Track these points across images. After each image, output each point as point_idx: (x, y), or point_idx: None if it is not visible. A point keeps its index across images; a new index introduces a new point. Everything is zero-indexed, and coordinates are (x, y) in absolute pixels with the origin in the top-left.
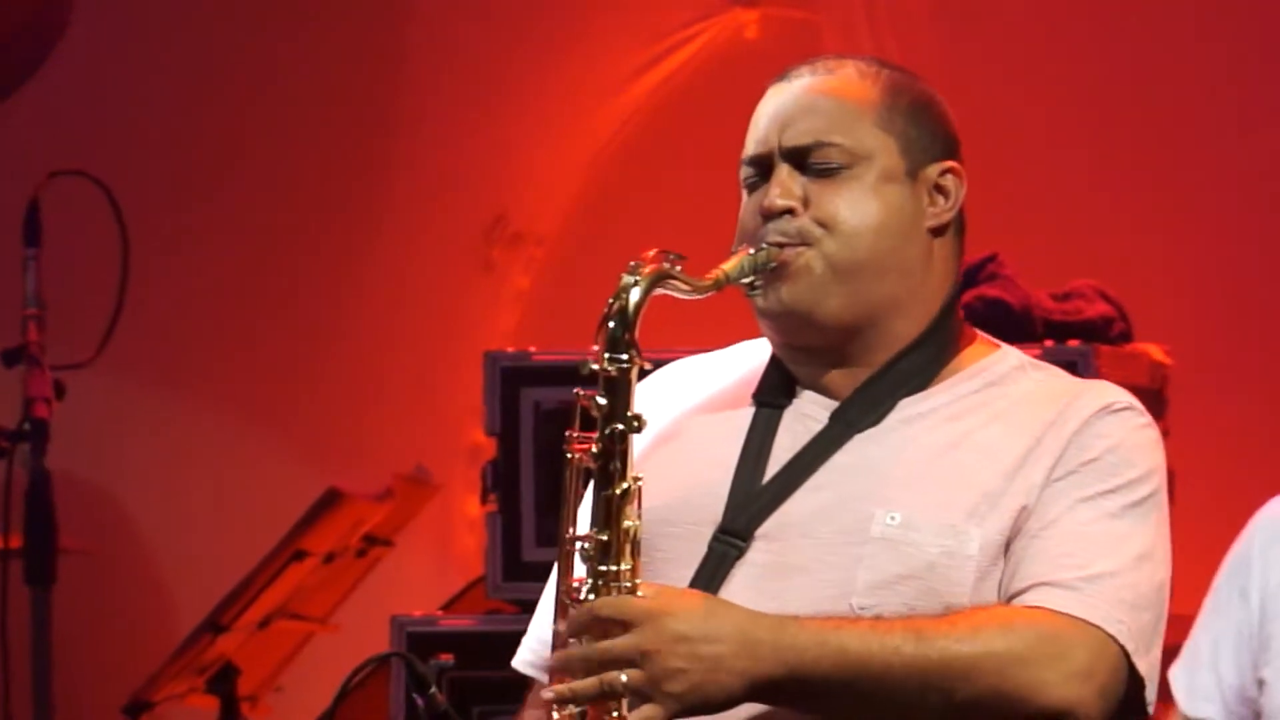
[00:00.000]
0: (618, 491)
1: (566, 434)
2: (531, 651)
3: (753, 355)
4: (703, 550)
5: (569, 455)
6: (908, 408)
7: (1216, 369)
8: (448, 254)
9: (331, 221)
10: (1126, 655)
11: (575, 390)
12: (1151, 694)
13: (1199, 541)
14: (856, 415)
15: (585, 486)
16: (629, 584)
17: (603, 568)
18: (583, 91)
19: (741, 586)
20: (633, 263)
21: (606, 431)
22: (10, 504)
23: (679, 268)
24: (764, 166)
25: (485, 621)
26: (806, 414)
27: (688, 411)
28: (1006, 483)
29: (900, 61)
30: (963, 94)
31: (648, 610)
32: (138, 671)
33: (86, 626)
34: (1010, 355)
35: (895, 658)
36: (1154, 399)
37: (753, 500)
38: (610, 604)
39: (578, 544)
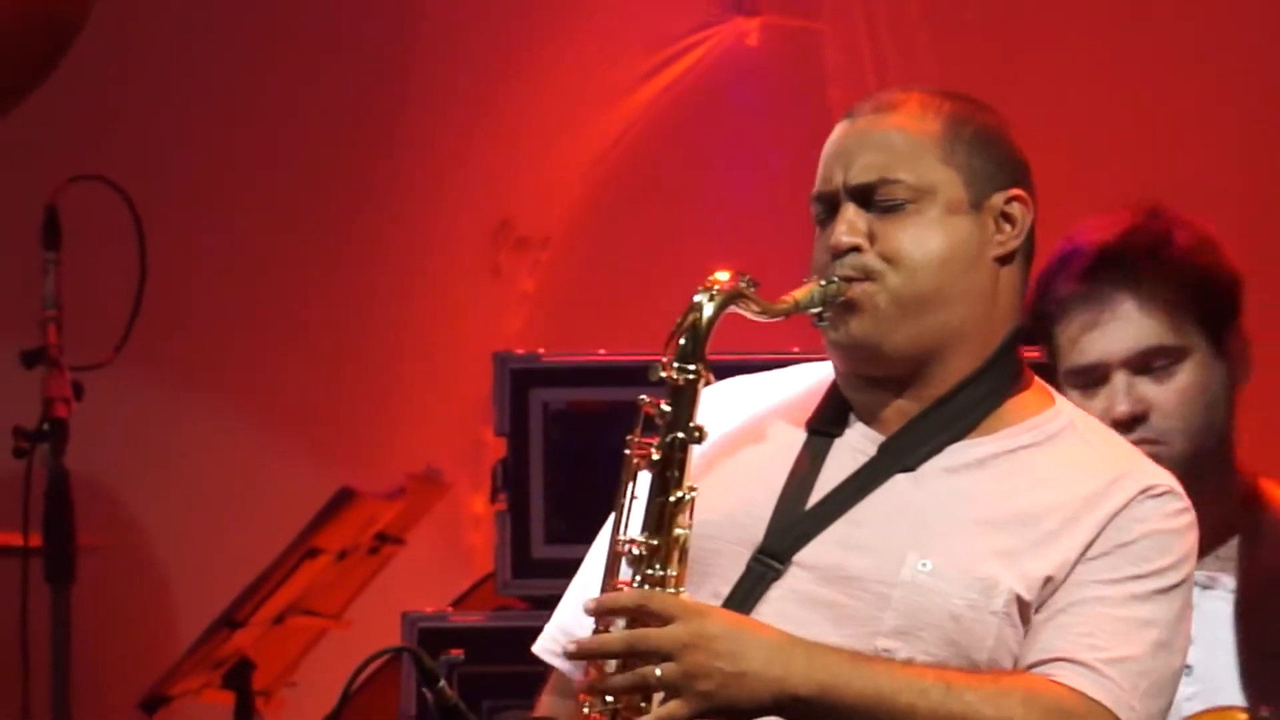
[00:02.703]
0: (673, 499)
1: (628, 438)
2: (553, 640)
3: (812, 377)
4: (741, 568)
5: (629, 458)
6: (955, 454)
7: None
8: (456, 258)
9: (343, 226)
10: None
11: (640, 396)
12: None
13: None
14: (903, 452)
15: (637, 490)
16: (674, 590)
17: (650, 571)
18: (586, 99)
19: (773, 608)
20: (709, 279)
21: (668, 439)
22: (30, 502)
23: (752, 290)
24: (831, 204)
25: (494, 617)
26: (856, 447)
27: (743, 429)
28: (1038, 550)
29: (897, 69)
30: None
31: (694, 608)
32: (154, 666)
33: (104, 623)
34: (1063, 412)
35: (922, 700)
36: None
37: (794, 526)
38: (658, 597)
39: (628, 546)
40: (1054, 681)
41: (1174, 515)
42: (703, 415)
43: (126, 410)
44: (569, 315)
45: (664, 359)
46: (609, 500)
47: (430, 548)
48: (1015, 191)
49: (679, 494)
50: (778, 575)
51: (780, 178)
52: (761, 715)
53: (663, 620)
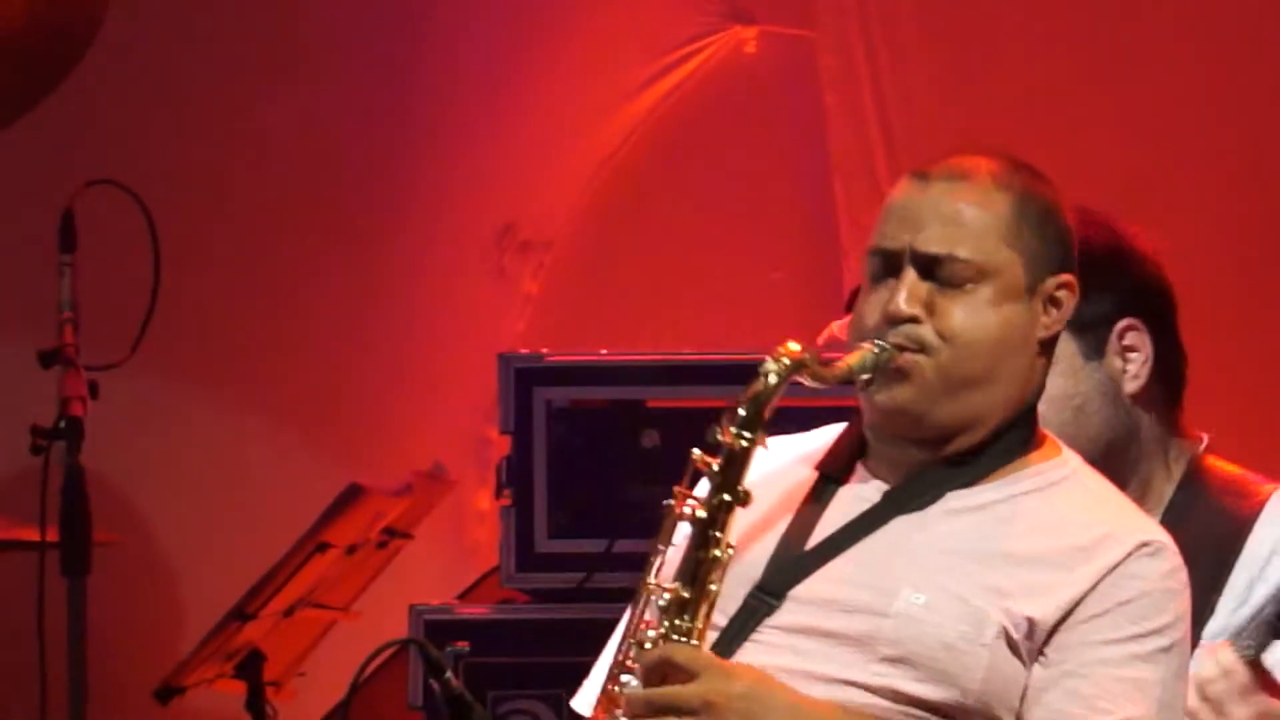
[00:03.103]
0: (711, 556)
1: (675, 489)
2: (589, 696)
3: (832, 434)
4: (739, 603)
5: (673, 507)
6: (955, 499)
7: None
8: (461, 260)
9: (352, 229)
10: None
11: (694, 449)
12: None
13: None
14: (905, 499)
15: (673, 538)
16: (696, 642)
17: (678, 621)
18: (589, 105)
19: (766, 641)
20: (778, 349)
21: (715, 500)
22: (47, 498)
23: (812, 358)
24: (891, 262)
25: (499, 610)
26: (862, 494)
27: (766, 479)
28: (1028, 592)
29: (893, 78)
30: (955, 112)
31: (718, 666)
32: (168, 657)
33: (119, 615)
34: (1069, 463)
35: None
36: None
37: (792, 564)
38: (682, 651)
39: (661, 591)
40: None
41: (1170, 574)
42: None
43: (141, 409)
44: (571, 316)
45: (724, 421)
46: (610, 496)
47: (437, 542)
48: (1066, 278)
49: (717, 553)
50: (771, 610)
51: (777, 182)
52: None
53: (688, 675)
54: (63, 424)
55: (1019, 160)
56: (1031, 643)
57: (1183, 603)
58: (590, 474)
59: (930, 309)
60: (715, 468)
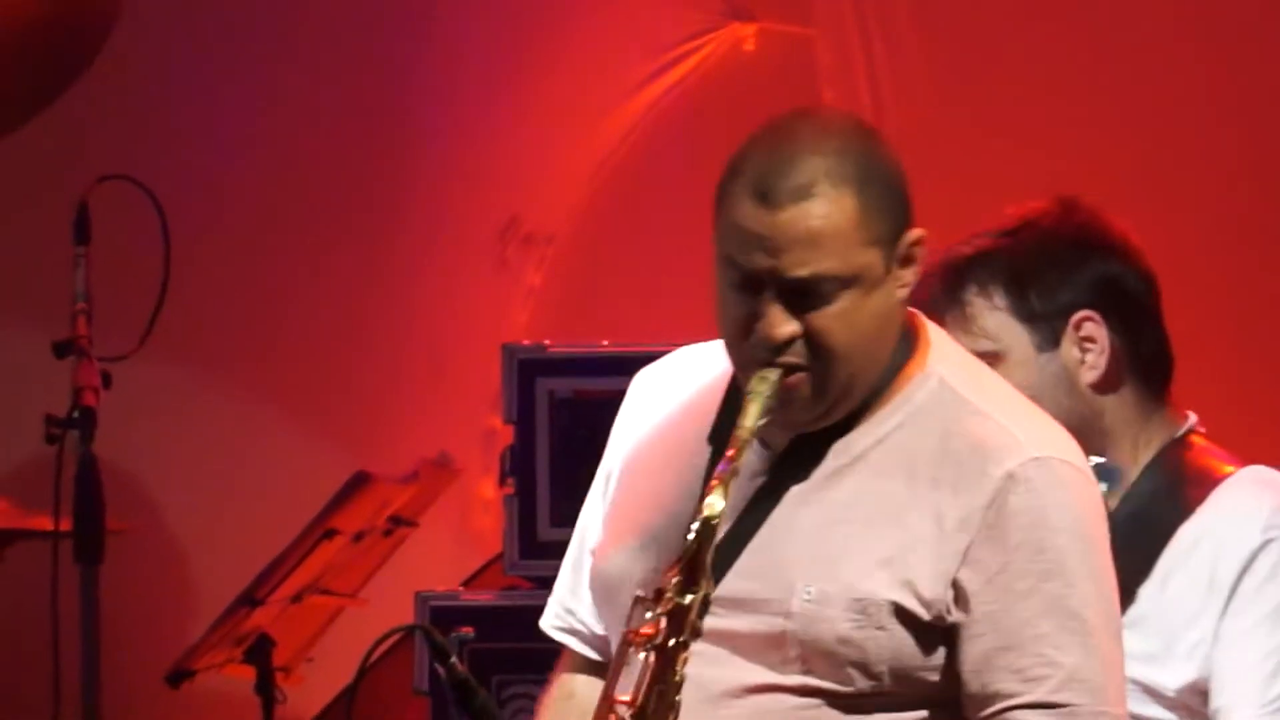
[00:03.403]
0: (670, 685)
1: (627, 628)
2: (556, 616)
3: (714, 370)
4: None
5: (624, 645)
6: (838, 454)
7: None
8: (465, 253)
9: (357, 223)
10: None
11: (638, 595)
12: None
13: None
14: (792, 466)
15: (629, 659)
16: None
17: None
18: (591, 101)
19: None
20: (715, 489)
21: (668, 644)
22: (60, 487)
23: (728, 476)
24: (752, 279)
25: (503, 596)
26: (752, 466)
27: (653, 444)
28: (922, 549)
29: (890, 74)
30: (950, 108)
31: None
32: (179, 643)
33: (131, 601)
34: (931, 374)
35: None
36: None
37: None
38: None
39: (624, 708)
40: None
41: (1051, 489)
42: (634, 399)
43: (153, 399)
44: (573, 308)
45: (667, 575)
46: None
47: (442, 530)
48: (915, 235)
49: (676, 680)
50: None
51: None
52: None
53: None
54: (76, 413)
55: (843, 126)
56: (937, 599)
57: (1076, 510)
58: (592, 463)
59: (802, 324)
60: (661, 616)
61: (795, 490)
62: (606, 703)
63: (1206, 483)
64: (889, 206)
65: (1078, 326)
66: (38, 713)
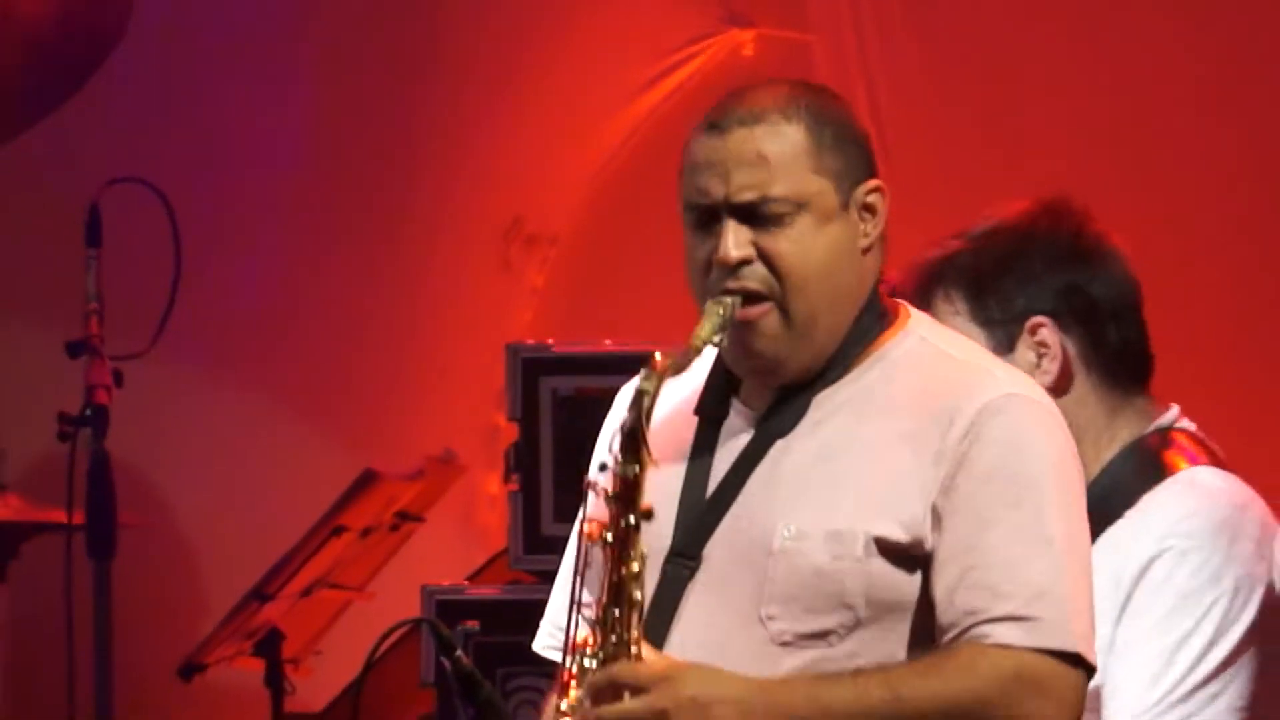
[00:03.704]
0: (628, 573)
1: (579, 519)
2: (549, 635)
3: (705, 366)
4: (658, 574)
5: (582, 533)
6: (820, 404)
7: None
8: (470, 254)
9: (364, 226)
10: (1081, 657)
11: (588, 480)
12: (1093, 654)
13: None
14: (776, 423)
15: (589, 558)
16: (635, 650)
17: (613, 637)
18: (593, 104)
19: (690, 603)
20: (644, 370)
21: (621, 524)
22: (74, 483)
23: (674, 361)
24: (709, 215)
25: (508, 591)
26: (738, 428)
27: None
28: (901, 482)
29: (884, 77)
30: (946, 110)
31: (662, 674)
32: (190, 636)
33: (143, 595)
34: (912, 332)
35: (875, 716)
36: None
37: (697, 521)
38: (628, 670)
39: (587, 609)
40: (988, 646)
41: (1022, 424)
42: (609, 423)
43: (163, 397)
44: (576, 308)
45: (611, 456)
46: None
47: (448, 525)
48: (873, 184)
49: (634, 566)
50: (693, 572)
51: None
52: None
53: (635, 690)
54: (89, 411)
55: (802, 84)
56: (917, 525)
57: (1045, 446)
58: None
59: (758, 249)
60: (613, 494)
61: (779, 443)
62: (574, 606)
63: (1153, 480)
64: (842, 149)
65: (1033, 332)
66: (52, 704)
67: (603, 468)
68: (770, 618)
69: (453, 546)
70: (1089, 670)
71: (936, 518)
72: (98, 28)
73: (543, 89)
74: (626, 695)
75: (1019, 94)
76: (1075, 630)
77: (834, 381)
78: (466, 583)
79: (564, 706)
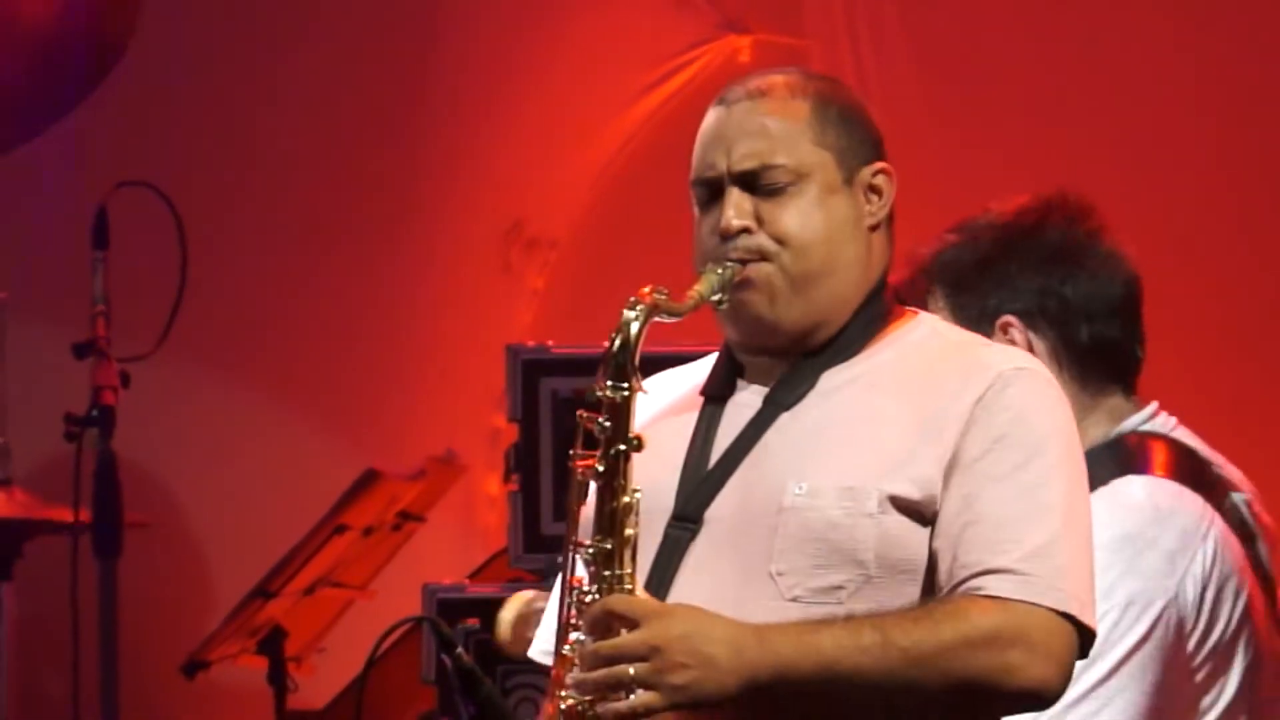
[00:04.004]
0: (621, 504)
1: (571, 452)
2: (545, 641)
3: (708, 363)
4: (659, 539)
5: (574, 470)
6: (829, 379)
7: (1191, 343)
8: (471, 257)
9: (368, 229)
10: (1074, 619)
11: (579, 412)
12: (1093, 621)
13: None
14: (783, 395)
15: (585, 499)
16: (629, 586)
17: (606, 572)
18: (592, 110)
19: (693, 568)
20: (631, 299)
21: (611, 452)
22: (80, 483)
23: (665, 296)
24: (714, 188)
25: (508, 589)
26: (745, 403)
27: (653, 419)
28: (912, 446)
29: (879, 82)
30: (939, 115)
31: (656, 610)
32: (194, 634)
33: (148, 594)
34: (923, 322)
35: (865, 656)
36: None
37: (699, 487)
38: (621, 601)
39: (583, 550)
40: (980, 597)
41: (1035, 393)
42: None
43: (169, 398)
44: (575, 310)
45: (599, 380)
46: None
47: (449, 525)
48: (880, 165)
49: (626, 499)
50: (693, 535)
51: None
52: (728, 703)
53: (630, 624)
54: (95, 412)
55: (812, 72)
56: (929, 483)
57: (1055, 417)
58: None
59: (759, 220)
60: (602, 422)
61: (786, 414)
62: (571, 544)
63: (1097, 484)
64: (847, 127)
65: (1003, 330)
66: (58, 700)
67: (591, 399)
68: (780, 574)
69: (453, 546)
70: (1086, 634)
71: (946, 478)
72: (104, 35)
73: (542, 94)
74: (622, 631)
75: (1011, 99)
76: (1068, 590)
77: (844, 360)
78: (467, 581)
79: (568, 680)
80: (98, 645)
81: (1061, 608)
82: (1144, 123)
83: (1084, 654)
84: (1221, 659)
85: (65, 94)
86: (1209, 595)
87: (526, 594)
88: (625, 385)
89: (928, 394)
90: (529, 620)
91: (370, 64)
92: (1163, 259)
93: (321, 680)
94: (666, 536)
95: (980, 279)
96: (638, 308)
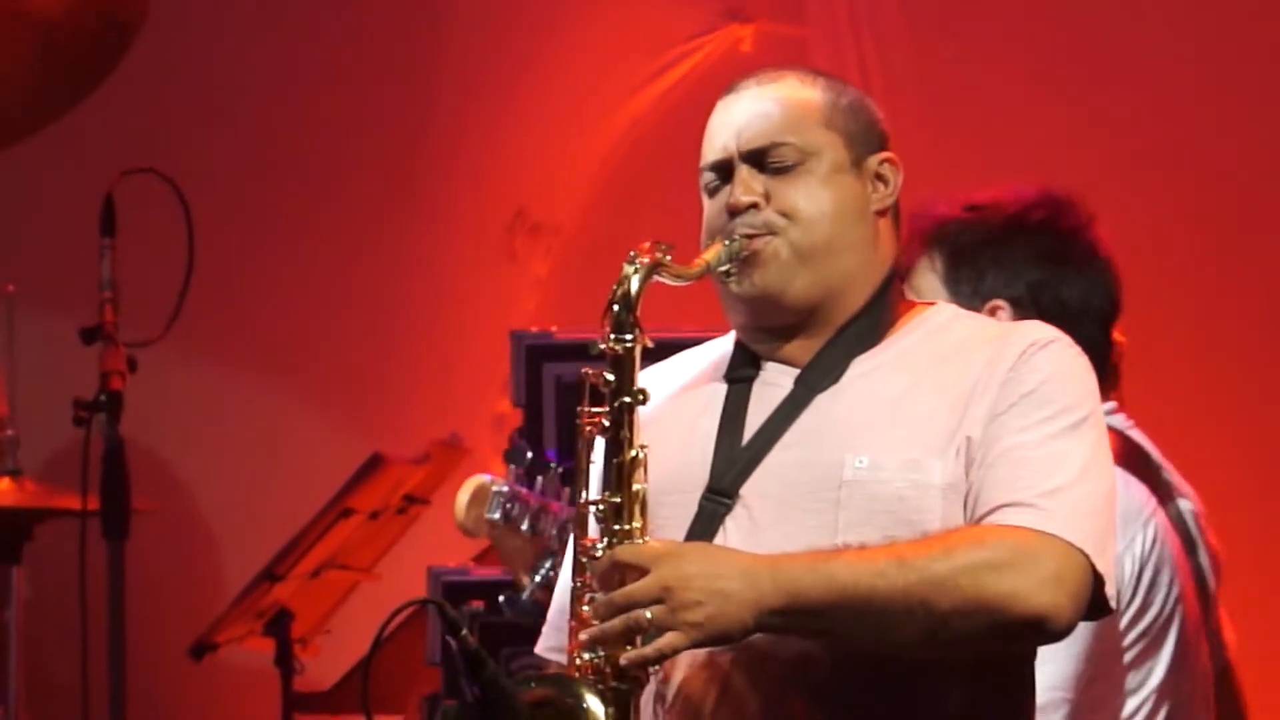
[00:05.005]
0: (628, 458)
1: (578, 409)
2: (551, 639)
3: (717, 348)
4: (694, 512)
5: (581, 428)
6: (861, 364)
7: (1161, 345)
8: (475, 244)
9: (373, 216)
10: (1088, 558)
11: (584, 370)
12: (1111, 590)
13: None
14: (817, 378)
15: (595, 456)
16: (640, 539)
17: (616, 526)
18: (596, 98)
19: (734, 538)
20: (632, 253)
21: (615, 405)
22: (88, 468)
23: (669, 258)
24: (724, 171)
25: (511, 573)
26: (772, 382)
27: (670, 398)
28: (955, 418)
29: (878, 72)
30: (940, 103)
31: (664, 552)
32: (201, 617)
33: (156, 578)
34: (945, 309)
35: (880, 580)
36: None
37: (734, 462)
38: (629, 550)
39: (592, 506)
40: (999, 525)
41: (1066, 360)
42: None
43: (176, 383)
44: (579, 297)
45: (602, 332)
46: None
47: (453, 508)
48: (887, 155)
49: (633, 453)
50: (729, 509)
51: None
52: (746, 636)
53: (640, 571)
54: (103, 397)
55: (823, 70)
56: (975, 447)
57: (1085, 384)
58: None
59: (768, 196)
60: (607, 376)
61: (822, 396)
62: (583, 504)
63: None
64: (855, 116)
65: (991, 312)
66: (66, 683)
67: (596, 350)
68: (847, 545)
69: (458, 529)
70: (1099, 585)
71: (980, 440)
72: (114, 24)
73: (545, 83)
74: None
75: (1012, 89)
76: (1084, 529)
77: (871, 346)
78: (472, 564)
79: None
80: (106, 628)
81: (1075, 542)
82: (1145, 109)
83: (1096, 614)
84: (1152, 644)
85: (74, 84)
86: (1145, 576)
87: (482, 477)
88: (628, 337)
89: (962, 369)
90: (483, 499)
91: (376, 51)
92: (1160, 247)
93: (327, 662)
94: (701, 509)
95: (981, 257)
96: (638, 262)
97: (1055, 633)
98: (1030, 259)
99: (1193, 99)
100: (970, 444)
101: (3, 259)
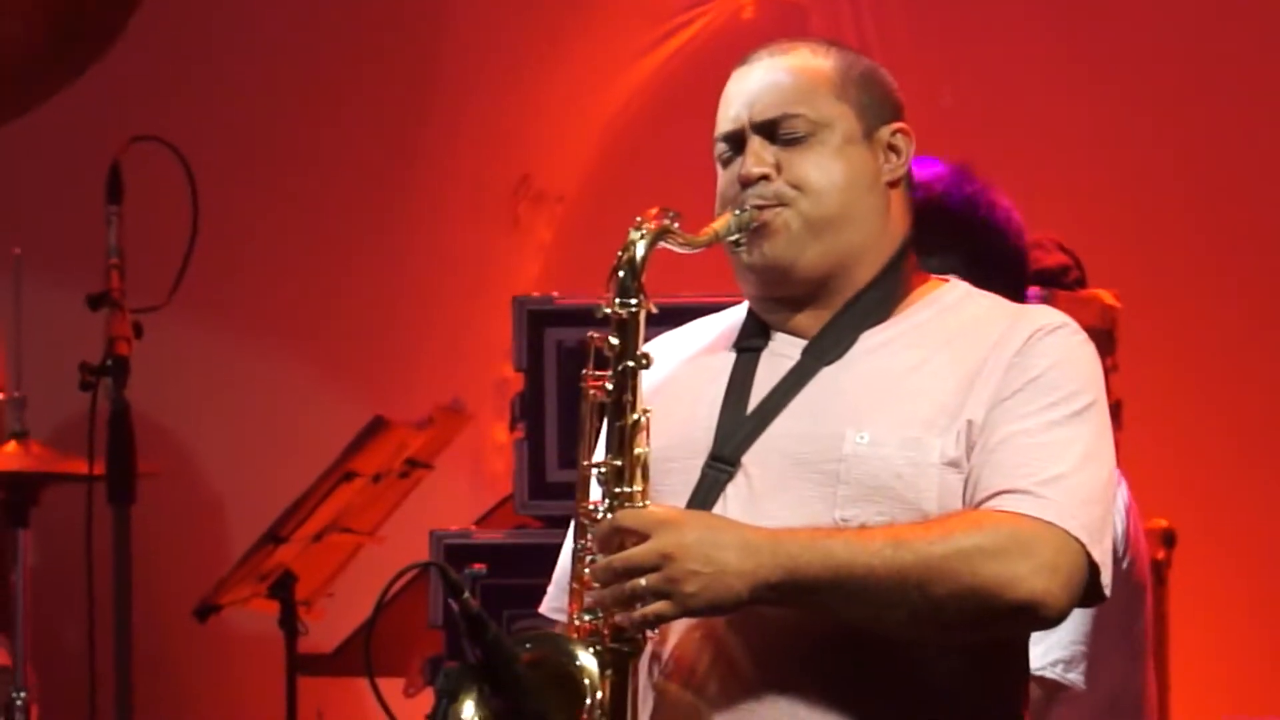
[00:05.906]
0: (629, 422)
1: (582, 373)
2: (554, 598)
3: (730, 316)
4: (696, 477)
5: (585, 391)
6: (869, 338)
7: (1160, 310)
8: (480, 210)
9: (377, 182)
10: (1084, 547)
11: (589, 334)
12: (1106, 578)
13: (1143, 466)
14: (824, 349)
15: (599, 420)
16: (641, 504)
17: (617, 489)
18: (600, 65)
19: (734, 505)
20: (638, 218)
21: (619, 369)
22: (95, 432)
23: (677, 224)
24: (737, 141)
25: (514, 535)
26: (780, 353)
27: (681, 364)
28: (959, 399)
29: (876, 40)
30: (934, 71)
31: (664, 519)
32: (206, 579)
33: (161, 541)
34: (958, 286)
35: (876, 560)
36: (1105, 338)
37: (738, 430)
38: (630, 515)
39: (594, 470)
40: (997, 511)
41: (1073, 347)
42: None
43: (181, 348)
44: (581, 262)
45: (606, 297)
46: None
47: (456, 472)
48: (899, 125)
49: (635, 417)
50: (730, 476)
51: None
52: (739, 608)
53: (640, 536)
54: (109, 362)
55: (837, 41)
56: (976, 430)
57: (1091, 370)
58: None
59: (779, 167)
60: (611, 340)
61: (829, 368)
62: (586, 467)
63: None
64: (867, 87)
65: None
66: (74, 645)
67: (601, 314)
68: (845, 520)
69: (461, 492)
70: (1094, 573)
71: (982, 424)
72: None
73: (549, 51)
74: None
75: (1010, 60)
76: (1080, 518)
77: (880, 320)
78: (474, 527)
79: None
80: (112, 590)
81: (1074, 532)
82: (1147, 92)
83: (1090, 601)
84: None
85: (79, 53)
86: (1132, 531)
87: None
88: (633, 302)
89: (970, 349)
90: None
91: (380, 20)
92: (1159, 239)
93: (331, 624)
94: (704, 476)
95: (923, 239)
96: (644, 227)
97: (1048, 620)
98: (965, 234)
99: (1197, 69)
100: (972, 427)
101: (10, 226)
